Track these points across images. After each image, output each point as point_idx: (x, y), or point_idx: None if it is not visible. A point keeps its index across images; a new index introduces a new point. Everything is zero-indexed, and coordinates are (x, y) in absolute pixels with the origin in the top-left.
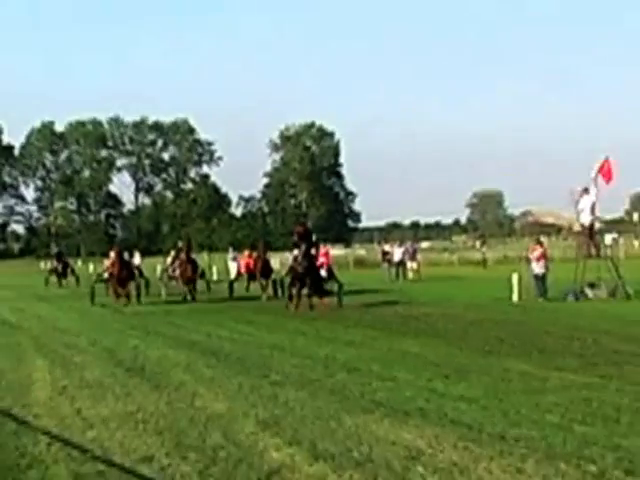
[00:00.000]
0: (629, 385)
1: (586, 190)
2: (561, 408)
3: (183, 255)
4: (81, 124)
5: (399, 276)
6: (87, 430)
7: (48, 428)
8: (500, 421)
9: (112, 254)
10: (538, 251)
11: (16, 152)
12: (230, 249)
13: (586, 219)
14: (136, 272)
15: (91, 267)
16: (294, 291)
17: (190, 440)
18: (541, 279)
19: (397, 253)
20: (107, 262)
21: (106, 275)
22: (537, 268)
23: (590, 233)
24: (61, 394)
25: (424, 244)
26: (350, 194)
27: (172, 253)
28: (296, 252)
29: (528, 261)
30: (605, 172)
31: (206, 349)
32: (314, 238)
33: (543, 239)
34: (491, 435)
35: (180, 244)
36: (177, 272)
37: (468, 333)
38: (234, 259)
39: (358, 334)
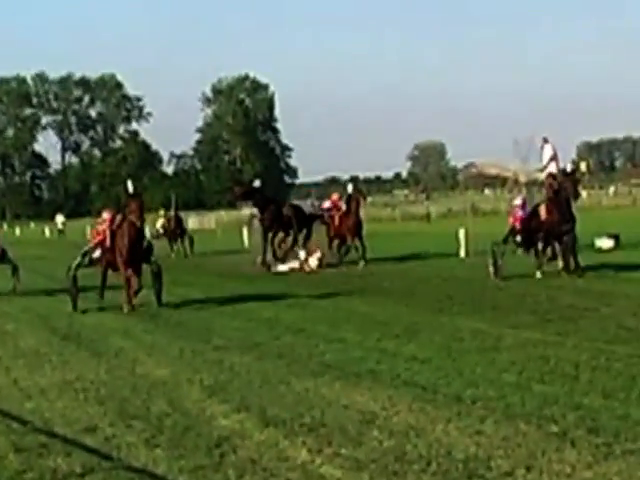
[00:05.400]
0: (586, 341)
1: (546, 140)
2: (518, 366)
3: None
4: (5, 81)
5: None
6: (25, 401)
7: None
8: (455, 381)
9: (161, 212)
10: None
11: None
12: None
13: (553, 168)
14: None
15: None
16: None
17: (134, 409)
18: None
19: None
20: (100, 225)
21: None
22: None
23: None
24: None
25: None
26: (286, 149)
27: (161, 212)
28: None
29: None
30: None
31: (143, 313)
32: None
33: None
34: (447, 396)
35: (173, 200)
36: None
37: (416, 291)
38: None
39: (301, 294)
